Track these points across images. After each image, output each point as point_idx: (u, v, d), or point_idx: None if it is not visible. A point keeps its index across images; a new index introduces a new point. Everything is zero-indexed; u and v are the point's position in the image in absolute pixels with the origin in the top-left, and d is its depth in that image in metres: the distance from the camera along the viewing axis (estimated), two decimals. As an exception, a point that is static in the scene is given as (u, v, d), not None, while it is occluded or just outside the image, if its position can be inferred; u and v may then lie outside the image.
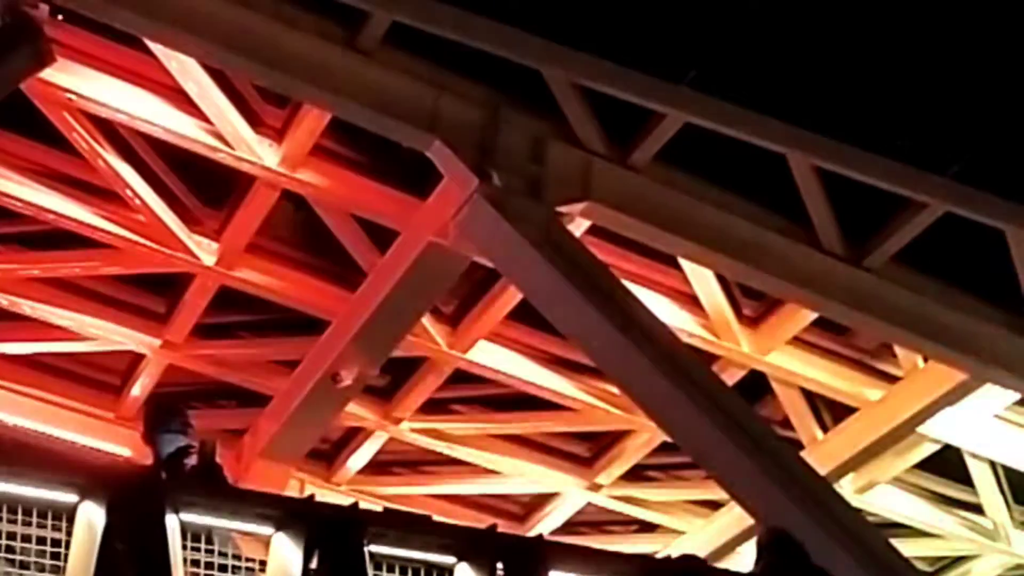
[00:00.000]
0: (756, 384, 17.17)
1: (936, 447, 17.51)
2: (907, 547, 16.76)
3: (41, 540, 9.95)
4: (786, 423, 17.42)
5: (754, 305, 16.64)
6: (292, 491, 17.34)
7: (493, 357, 17.19)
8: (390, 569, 10.51)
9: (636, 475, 18.94)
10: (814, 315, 16.21)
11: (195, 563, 10.17)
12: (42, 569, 9.95)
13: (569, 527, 19.44)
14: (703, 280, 16.14)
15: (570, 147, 14.81)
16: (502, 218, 14.28)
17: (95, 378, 17.99)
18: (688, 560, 12.67)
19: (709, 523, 18.89)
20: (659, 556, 17.25)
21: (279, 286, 16.52)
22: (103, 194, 15.85)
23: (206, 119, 14.91)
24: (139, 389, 17.64)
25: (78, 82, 14.67)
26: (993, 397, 16.62)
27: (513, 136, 14.60)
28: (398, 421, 18.01)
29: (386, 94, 14.27)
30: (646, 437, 18.06)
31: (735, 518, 17.75)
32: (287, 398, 17.10)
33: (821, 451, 17.10)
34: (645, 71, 14.47)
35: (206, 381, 17.84)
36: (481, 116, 14.56)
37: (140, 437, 12.34)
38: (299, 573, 10.21)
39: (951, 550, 19.17)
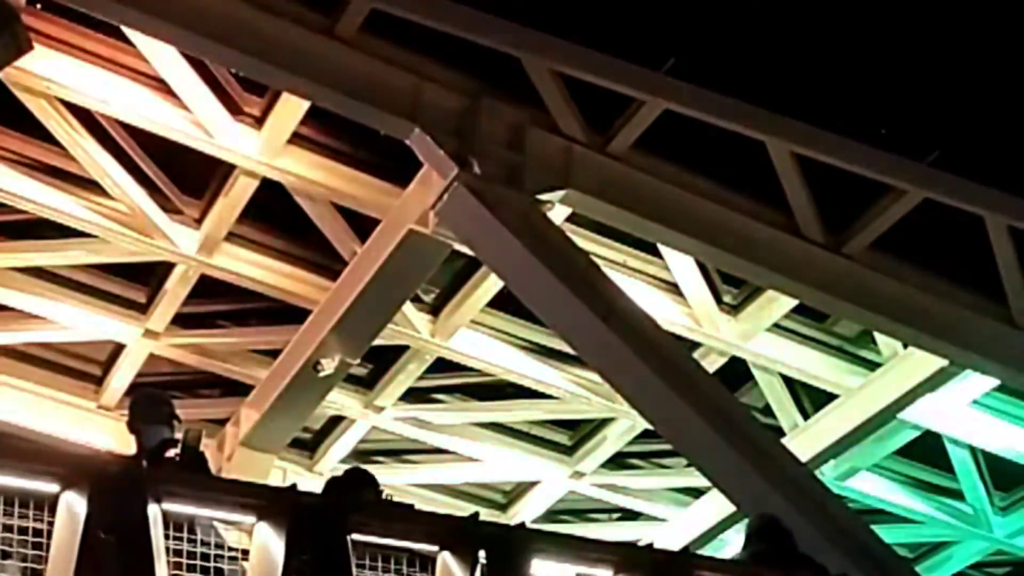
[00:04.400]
0: (737, 371, 17.21)
1: (916, 433, 17.56)
2: (888, 533, 16.80)
3: (23, 530, 9.89)
4: (767, 410, 17.46)
5: (734, 292, 16.67)
6: (274, 480, 17.32)
7: (474, 345, 17.18)
8: (372, 558, 10.47)
9: (618, 463, 18.95)
10: (794, 302, 16.23)
11: (177, 552, 10.13)
12: (24, 559, 9.89)
13: (551, 515, 19.45)
14: (683, 267, 16.16)
15: (550, 135, 14.79)
16: (482, 206, 14.25)
17: (76, 368, 17.95)
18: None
19: (691, 511, 18.92)
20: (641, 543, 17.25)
21: (260, 275, 16.50)
22: (83, 183, 15.79)
23: (185, 107, 14.88)
24: (120, 379, 17.61)
25: (56, 70, 14.62)
26: (973, 383, 16.68)
27: (493, 124, 14.57)
28: (380, 409, 17.99)
29: (365, 82, 14.24)
30: (627, 425, 18.08)
31: (717, 506, 17.78)
32: (269, 387, 17.08)
33: (802, 438, 17.15)
34: (624, 58, 14.47)
35: (187, 370, 17.82)
36: (461, 104, 14.54)
37: (125, 427, 12.29)
38: (281, 562, 10.18)
39: (932, 536, 19.21)
